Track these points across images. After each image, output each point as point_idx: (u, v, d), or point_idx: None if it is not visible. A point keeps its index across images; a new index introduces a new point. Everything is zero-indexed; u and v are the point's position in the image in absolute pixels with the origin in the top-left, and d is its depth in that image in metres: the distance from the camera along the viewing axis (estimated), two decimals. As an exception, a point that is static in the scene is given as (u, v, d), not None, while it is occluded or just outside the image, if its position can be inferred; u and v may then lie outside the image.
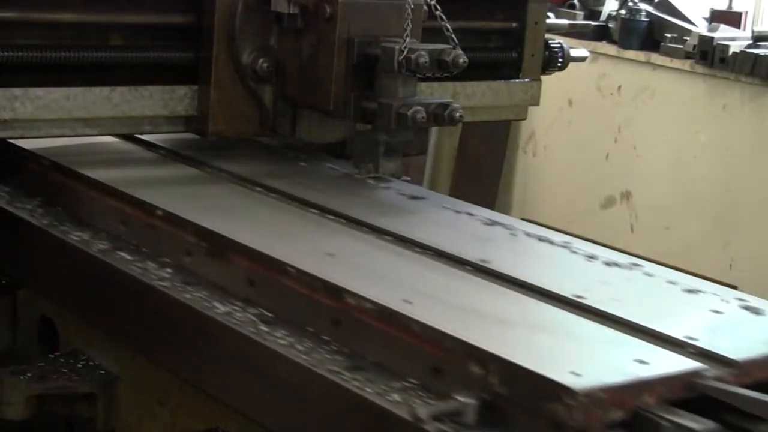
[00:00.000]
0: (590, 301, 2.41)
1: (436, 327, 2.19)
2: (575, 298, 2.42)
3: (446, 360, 2.15)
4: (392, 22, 3.08)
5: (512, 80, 3.76)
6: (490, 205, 6.59)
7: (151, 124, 3.23)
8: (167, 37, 3.24)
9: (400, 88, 3.03)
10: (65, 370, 2.93)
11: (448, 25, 3.09)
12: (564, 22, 4.43)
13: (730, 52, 6.58)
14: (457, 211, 3.09)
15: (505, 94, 3.75)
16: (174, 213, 2.81)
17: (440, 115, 3.02)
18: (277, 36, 3.23)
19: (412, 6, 3.03)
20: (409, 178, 3.42)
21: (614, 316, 2.34)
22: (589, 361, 2.16)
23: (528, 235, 2.90)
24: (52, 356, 3.01)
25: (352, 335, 2.34)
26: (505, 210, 7.58)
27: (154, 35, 3.22)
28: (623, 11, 7.33)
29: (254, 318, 2.46)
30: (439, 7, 3.10)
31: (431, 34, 3.14)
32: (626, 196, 7.29)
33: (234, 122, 3.26)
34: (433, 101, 3.05)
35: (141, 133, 3.41)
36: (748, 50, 6.55)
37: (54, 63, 3.01)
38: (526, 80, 3.78)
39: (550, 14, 3.97)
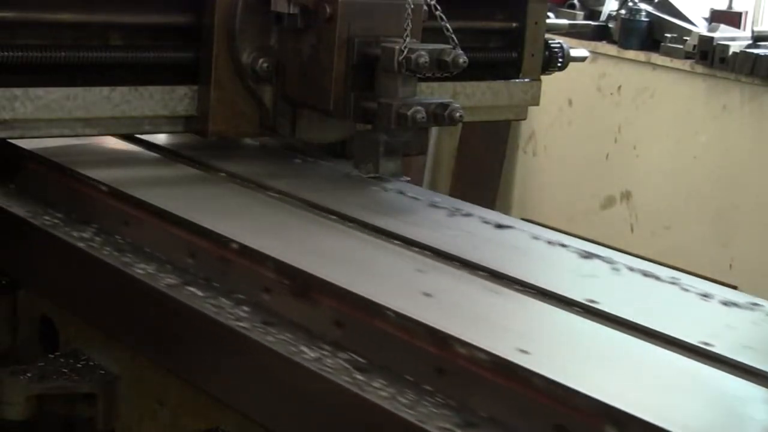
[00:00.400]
0: (719, 349, 2.19)
1: (563, 383, 1.97)
2: (702, 346, 2.20)
3: (574, 420, 1.94)
4: (392, 22, 3.08)
5: (512, 80, 3.76)
6: (491, 205, 6.60)
7: (151, 124, 3.23)
8: (167, 37, 3.24)
9: (400, 88, 3.02)
10: (65, 370, 2.93)
11: (448, 25, 3.09)
12: (564, 22, 4.43)
13: (730, 52, 6.59)
14: (550, 242, 2.84)
15: (505, 94, 3.75)
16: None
17: (440, 115, 3.02)
18: (277, 36, 3.23)
19: (412, 6, 3.03)
20: (409, 178, 3.42)
21: (749, 366, 2.13)
22: (744, 427, 1.96)
23: (631, 269, 2.67)
24: (52, 356, 3.01)
25: (459, 386, 2.13)
26: (505, 210, 7.59)
27: (154, 35, 3.21)
28: (623, 11, 7.34)
29: (347, 365, 2.25)
30: (439, 7, 3.10)
31: (431, 34, 3.14)
32: (626, 196, 7.29)
33: (234, 122, 3.26)
34: (433, 101, 3.05)
35: (141, 133, 3.41)
36: (748, 50, 6.55)
37: (54, 63, 3.01)
38: (526, 80, 3.78)
39: (550, 14, 3.97)
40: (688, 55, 6.87)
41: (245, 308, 2.48)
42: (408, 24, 3.01)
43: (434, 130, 7.65)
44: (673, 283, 2.60)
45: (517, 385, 2.03)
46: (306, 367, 2.22)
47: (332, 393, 2.18)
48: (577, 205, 7.53)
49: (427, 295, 2.39)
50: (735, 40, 6.74)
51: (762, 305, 2.49)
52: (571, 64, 3.92)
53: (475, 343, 2.10)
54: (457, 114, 3.02)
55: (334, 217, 2.90)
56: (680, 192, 6.99)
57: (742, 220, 6.67)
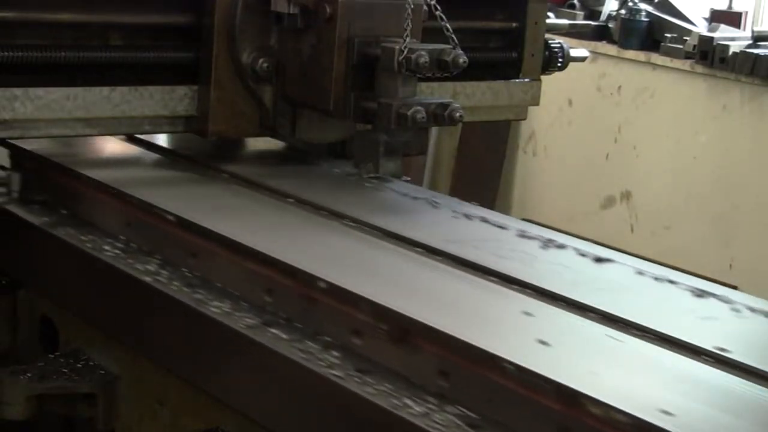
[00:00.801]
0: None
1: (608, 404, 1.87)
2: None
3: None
4: (392, 22, 3.08)
5: (512, 80, 3.76)
6: (490, 205, 6.59)
7: (151, 124, 3.23)
8: (167, 37, 3.24)
9: (400, 88, 3.02)
10: (65, 370, 2.93)
11: (448, 25, 3.09)
12: (564, 22, 4.43)
13: (730, 52, 6.59)
14: (657, 278, 2.62)
15: (505, 94, 3.75)
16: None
17: (440, 115, 3.02)
18: (277, 36, 3.23)
19: (412, 6, 3.03)
20: (409, 178, 3.42)
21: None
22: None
23: (753, 310, 2.47)
24: (52, 356, 3.01)
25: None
26: (505, 210, 7.59)
27: (154, 35, 3.21)
28: (623, 11, 7.33)
29: (458, 420, 2.07)
30: (439, 7, 3.10)
31: (431, 34, 3.14)
32: (626, 196, 7.29)
33: (234, 122, 3.26)
34: (433, 101, 3.05)
35: (141, 133, 3.41)
36: (748, 50, 6.55)
37: (54, 63, 3.01)
38: (526, 80, 3.78)
39: (550, 14, 3.97)
40: (688, 55, 6.87)
41: (335, 353, 2.29)
42: (408, 24, 3.01)
43: (434, 130, 7.65)
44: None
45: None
46: (415, 424, 2.04)
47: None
48: (577, 205, 7.53)
49: (543, 343, 2.16)
50: (735, 40, 6.73)
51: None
52: (571, 64, 3.92)
53: (608, 402, 1.90)
54: (457, 114, 3.02)
55: (402, 243, 2.71)
56: (680, 192, 6.99)
57: (742, 220, 6.67)
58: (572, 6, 7.61)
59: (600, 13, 7.55)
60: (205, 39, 3.19)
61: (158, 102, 3.18)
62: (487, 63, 3.71)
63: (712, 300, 2.50)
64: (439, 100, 3.06)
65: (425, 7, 3.13)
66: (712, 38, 6.72)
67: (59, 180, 3.17)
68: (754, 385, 2.05)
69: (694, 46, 6.79)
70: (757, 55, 6.49)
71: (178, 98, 3.20)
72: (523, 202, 7.92)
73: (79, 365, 2.95)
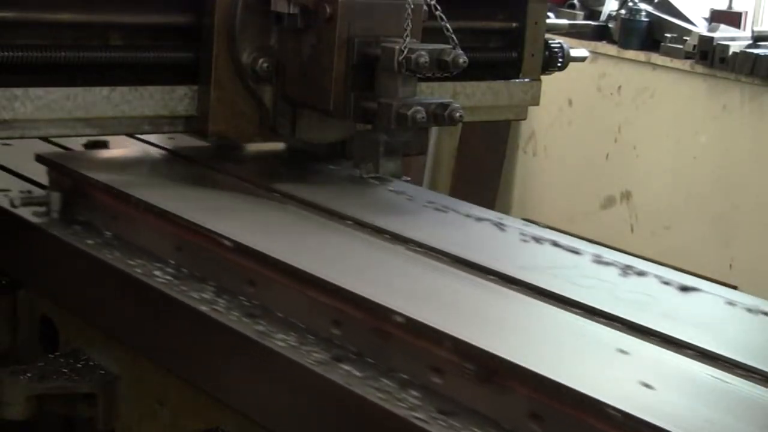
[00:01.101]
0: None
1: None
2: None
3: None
4: (392, 22, 3.08)
5: (512, 80, 3.76)
6: (490, 205, 6.59)
7: (151, 124, 3.23)
8: (167, 37, 3.24)
9: (400, 88, 3.02)
10: (65, 370, 2.93)
11: (448, 25, 3.09)
12: (564, 22, 4.42)
13: (730, 52, 6.59)
14: (750, 310, 2.50)
15: (505, 94, 3.75)
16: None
17: (440, 115, 3.02)
18: (277, 36, 3.23)
19: (412, 6, 3.03)
20: (409, 178, 3.42)
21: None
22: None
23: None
24: (52, 356, 3.01)
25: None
26: (505, 210, 7.59)
27: (154, 35, 3.21)
28: (623, 11, 7.34)
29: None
30: (439, 8, 3.10)
31: (431, 33, 3.14)
32: (626, 196, 7.29)
33: (234, 122, 3.25)
34: (433, 101, 3.05)
35: (141, 133, 3.41)
36: (748, 50, 6.55)
37: (54, 63, 3.01)
38: (526, 80, 3.78)
39: (550, 14, 3.96)
40: (688, 55, 6.87)
41: (414, 393, 2.14)
42: (408, 24, 3.01)
43: (434, 130, 7.64)
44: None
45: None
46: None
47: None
48: (577, 205, 7.53)
49: (648, 386, 2.01)
50: (735, 40, 6.74)
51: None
52: (571, 64, 3.92)
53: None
54: (457, 114, 3.02)
55: (453, 262, 2.61)
56: (680, 192, 6.99)
57: (742, 220, 6.67)
58: (572, 6, 7.61)
59: (600, 13, 7.55)
60: (205, 39, 3.19)
61: (158, 102, 3.18)
62: (487, 63, 3.70)
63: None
64: (439, 100, 3.06)
65: (425, 7, 3.13)
66: (712, 38, 6.72)
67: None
68: None
69: (694, 46, 6.79)
70: (757, 55, 6.49)
71: (178, 98, 3.20)
72: (523, 202, 7.92)
73: (79, 365, 2.95)
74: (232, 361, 2.43)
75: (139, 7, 3.16)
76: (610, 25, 7.43)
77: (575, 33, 5.29)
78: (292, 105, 3.25)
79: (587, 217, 7.42)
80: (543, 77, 3.84)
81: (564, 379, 1.95)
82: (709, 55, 6.69)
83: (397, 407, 2.07)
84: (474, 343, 2.09)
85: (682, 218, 6.97)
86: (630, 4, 7.33)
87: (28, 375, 2.89)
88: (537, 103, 3.83)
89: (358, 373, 2.20)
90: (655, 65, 7.09)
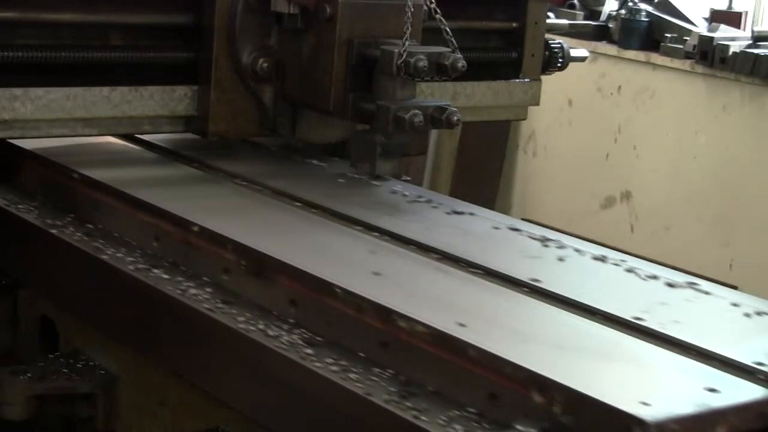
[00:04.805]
0: (651, 323, 2.30)
1: (494, 352, 2.09)
2: (635, 321, 2.31)
3: (505, 388, 2.06)
4: (392, 22, 3.08)
5: (512, 80, 3.76)
6: (490, 205, 6.60)
7: (151, 124, 3.23)
8: (167, 37, 3.24)
9: (398, 91, 3.02)
10: (65, 370, 2.93)
11: (447, 29, 3.09)
12: (564, 22, 4.43)
13: (730, 52, 6.58)
14: (500, 227, 2.94)
15: (505, 94, 3.75)
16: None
17: (438, 119, 3.02)
18: (277, 36, 3.23)
19: (412, 9, 3.03)
20: (409, 178, 3.42)
21: (677, 340, 2.23)
22: (657, 389, 2.05)
23: (579, 252, 2.79)
24: (52, 356, 3.01)
25: (403, 360, 2.24)
26: (505, 210, 7.59)
27: (154, 35, 3.21)
28: (623, 11, 7.33)
29: (300, 341, 2.35)
30: (438, 11, 3.10)
31: (431, 33, 3.14)
32: (626, 196, 7.29)
33: (234, 122, 3.26)
34: (431, 104, 3.05)
35: (141, 133, 3.41)
36: (748, 50, 6.55)
37: (54, 63, 3.01)
38: (526, 80, 3.78)
39: (550, 14, 3.97)
40: (688, 55, 6.86)
41: (208, 289, 2.59)
42: (408, 27, 3.01)
43: (434, 131, 7.64)
44: (617, 265, 2.71)
45: (453, 356, 2.14)
46: (260, 343, 2.35)
47: (287, 369, 2.29)
48: (577, 205, 7.52)
49: (377, 274, 2.50)
50: (735, 40, 6.73)
51: (699, 284, 2.59)
52: (571, 64, 3.92)
53: (415, 317, 2.21)
54: (455, 118, 3.02)
55: (299, 204, 3.00)
56: (680, 192, 6.99)
57: (742, 220, 6.67)
58: (572, 6, 7.61)
59: (600, 13, 7.54)
60: (205, 39, 3.19)
61: (158, 102, 3.18)
62: (487, 63, 3.71)
63: (548, 244, 2.82)
64: (437, 104, 3.06)
65: (425, 8, 3.13)
66: (712, 38, 6.71)
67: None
68: (555, 308, 2.39)
69: (694, 46, 6.79)
70: (757, 55, 6.49)
71: (178, 98, 3.21)
72: (523, 202, 7.92)
73: (79, 365, 2.95)
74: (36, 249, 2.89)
75: (139, 7, 3.17)
76: (610, 25, 7.42)
77: (575, 33, 5.30)
78: (292, 105, 3.25)
79: (587, 217, 7.42)
80: (543, 77, 3.84)
81: (314, 272, 2.42)
82: (709, 55, 6.69)
83: (191, 300, 2.53)
84: (247, 243, 2.58)
85: (682, 218, 6.97)
86: (630, 4, 7.32)
87: (28, 375, 2.89)
88: (537, 103, 3.83)
89: (166, 276, 2.66)
90: (655, 65, 7.08)
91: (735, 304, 2.50)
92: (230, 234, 2.65)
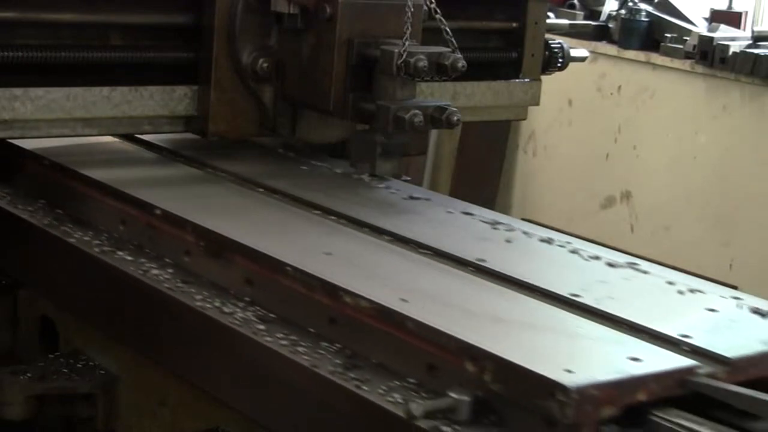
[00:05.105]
0: (586, 299, 2.42)
1: (431, 325, 2.20)
2: (572, 297, 2.44)
3: (442, 358, 2.17)
4: (392, 22, 3.08)
5: (512, 80, 3.76)
6: (490, 205, 6.60)
7: (151, 124, 3.23)
8: (167, 37, 3.24)
9: (398, 91, 3.02)
10: (65, 370, 2.93)
11: (447, 29, 3.09)
12: (564, 22, 4.43)
13: (730, 52, 6.58)
14: (453, 212, 3.08)
15: (505, 94, 3.75)
16: (173, 212, 2.81)
17: (438, 119, 3.02)
18: (277, 36, 3.23)
19: (412, 9, 3.03)
20: (409, 178, 3.42)
21: (610, 314, 2.35)
22: (582, 358, 2.17)
23: (527, 234, 2.91)
24: (52, 356, 3.01)
25: (349, 334, 2.35)
26: (505, 210, 7.59)
27: (154, 35, 3.21)
28: (623, 11, 7.33)
29: (254, 318, 2.47)
30: (438, 11, 3.10)
31: (431, 33, 3.14)
32: (626, 196, 7.29)
33: (234, 122, 3.26)
34: (431, 104, 3.05)
35: (141, 133, 3.41)
36: (748, 50, 6.54)
37: (54, 63, 3.01)
38: (526, 80, 3.78)
39: (550, 14, 3.97)
40: (688, 55, 6.86)
41: (169, 270, 2.72)
42: (408, 27, 3.00)
43: (434, 131, 7.63)
44: (563, 247, 2.82)
45: (394, 329, 2.26)
46: (217, 320, 2.47)
47: (236, 343, 2.42)
48: (577, 205, 7.52)
49: (328, 254, 2.62)
50: (735, 40, 6.73)
51: (639, 264, 2.70)
52: (571, 64, 3.92)
53: (360, 293, 2.33)
54: (455, 118, 3.02)
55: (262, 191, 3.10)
56: (680, 192, 6.98)
57: (742, 220, 6.67)
58: (572, 6, 7.60)
59: (600, 13, 7.54)
60: (205, 39, 3.19)
61: (158, 102, 3.18)
62: (487, 63, 3.71)
63: (497, 227, 2.94)
64: (437, 104, 3.06)
65: (425, 8, 3.13)
66: (712, 38, 6.71)
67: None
68: (498, 285, 2.51)
69: (694, 46, 6.78)
70: (757, 55, 6.49)
71: (178, 98, 3.21)
72: (523, 202, 7.92)
73: (79, 365, 2.95)
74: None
75: (139, 7, 3.17)
76: (610, 25, 7.42)
77: (575, 33, 5.30)
78: (292, 105, 3.25)
79: (587, 217, 7.42)
80: (543, 77, 3.84)
81: (269, 251, 2.55)
82: (709, 55, 6.68)
83: (153, 281, 2.65)
84: (206, 225, 2.70)
85: (682, 218, 6.97)
86: (630, 4, 7.32)
87: (28, 375, 2.89)
88: (537, 103, 3.83)
89: (130, 258, 2.78)
90: (655, 65, 7.08)
91: (671, 283, 2.61)
92: (190, 217, 2.76)
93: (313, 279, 2.44)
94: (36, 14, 3.03)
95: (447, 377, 2.14)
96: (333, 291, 2.39)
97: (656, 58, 7.06)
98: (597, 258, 2.75)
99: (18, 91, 2.96)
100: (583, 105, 7.54)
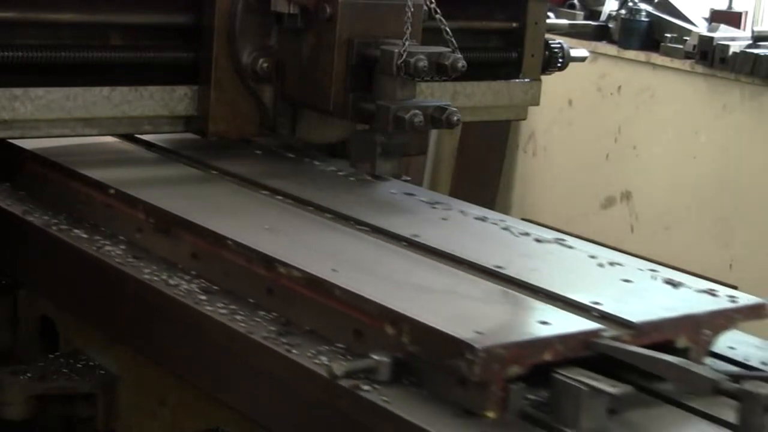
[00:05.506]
0: (509, 271, 2.56)
1: (357, 292, 2.35)
2: (496, 269, 2.57)
3: (366, 323, 2.31)
4: (392, 22, 3.08)
5: (512, 80, 3.76)
6: (490, 205, 6.59)
7: (151, 124, 3.23)
8: (167, 37, 3.24)
9: (398, 91, 3.03)
10: (65, 370, 2.93)
11: (447, 29, 3.09)
12: (564, 22, 4.43)
13: (730, 52, 6.58)
14: (396, 192, 3.20)
15: (505, 94, 3.75)
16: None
17: (438, 119, 3.02)
18: (277, 36, 3.23)
19: (412, 9, 3.03)
20: (409, 178, 3.43)
21: (529, 284, 2.50)
22: (494, 322, 2.31)
23: (463, 213, 3.04)
24: (52, 356, 3.01)
25: (284, 304, 2.50)
26: (505, 210, 7.58)
27: (154, 35, 3.22)
28: (623, 11, 7.33)
29: (198, 290, 2.63)
30: (438, 11, 3.10)
31: (431, 33, 3.14)
32: (626, 196, 7.29)
33: (234, 122, 3.26)
34: (431, 104, 3.05)
35: (141, 133, 3.41)
36: (748, 50, 6.54)
37: (54, 63, 3.01)
38: (526, 80, 3.78)
39: (550, 14, 3.97)
40: (688, 55, 6.86)
41: (122, 246, 2.88)
42: (408, 27, 3.00)
43: (434, 131, 7.63)
44: (495, 224, 2.97)
45: (324, 297, 2.41)
46: (163, 293, 2.63)
47: (182, 313, 2.57)
48: (577, 205, 7.52)
49: (270, 230, 2.75)
50: (735, 40, 6.72)
51: (566, 240, 2.86)
52: (571, 64, 3.92)
53: (294, 264, 2.48)
54: (455, 118, 3.02)
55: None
56: (680, 192, 6.98)
57: (742, 220, 6.67)
58: (572, 6, 7.60)
59: (600, 13, 7.54)
60: (205, 39, 3.19)
61: (158, 102, 3.18)
62: (487, 63, 3.71)
63: (439, 208, 3.06)
64: (437, 104, 3.06)
65: (425, 8, 3.13)
66: (712, 38, 6.71)
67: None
68: (427, 258, 2.65)
69: (694, 46, 6.78)
70: (757, 55, 6.48)
71: (178, 98, 3.21)
72: (523, 202, 7.91)
73: (79, 365, 2.95)
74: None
75: (139, 7, 3.17)
76: (610, 25, 7.42)
77: (575, 33, 5.30)
78: (292, 105, 3.25)
79: (587, 217, 7.42)
80: (543, 77, 3.84)
81: (212, 227, 2.69)
82: (709, 55, 6.68)
83: (106, 256, 2.82)
84: (155, 203, 2.85)
85: (682, 218, 6.97)
86: (630, 4, 7.32)
87: (28, 375, 2.89)
88: (537, 103, 3.83)
89: (85, 236, 2.94)
90: (655, 65, 7.08)
91: (592, 256, 2.75)
92: (141, 195, 2.91)
93: (251, 252, 2.58)
94: (36, 14, 3.03)
95: (372, 342, 2.28)
96: (269, 263, 2.53)
97: (656, 58, 7.06)
98: (527, 234, 2.89)
99: (18, 91, 2.96)
100: (583, 105, 7.54)
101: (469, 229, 2.93)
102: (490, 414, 2.12)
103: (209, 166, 3.31)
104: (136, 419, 2.87)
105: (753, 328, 2.59)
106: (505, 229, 2.93)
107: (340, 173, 3.34)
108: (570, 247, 2.81)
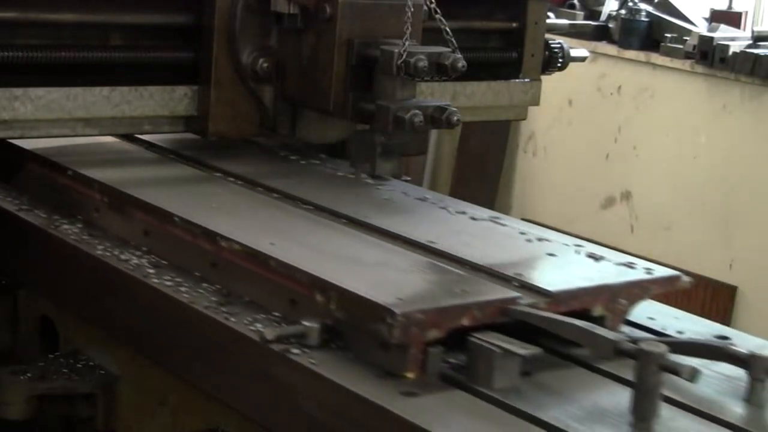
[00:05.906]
0: (440, 245, 2.68)
1: (290, 263, 2.48)
2: (428, 243, 2.69)
3: (299, 293, 2.45)
4: (392, 22, 3.08)
5: (512, 80, 3.76)
6: (490, 205, 6.60)
7: (151, 124, 3.23)
8: (167, 37, 3.24)
9: (398, 91, 3.03)
10: (65, 370, 2.93)
11: (447, 29, 3.09)
12: (564, 22, 4.43)
13: (730, 52, 6.58)
14: (342, 174, 3.28)
15: (505, 94, 3.75)
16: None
17: (438, 119, 3.02)
18: (277, 36, 3.23)
19: (412, 9, 3.03)
20: (409, 178, 3.42)
21: (457, 257, 2.61)
22: (417, 290, 2.44)
23: (405, 194, 3.14)
24: (52, 356, 3.01)
25: (226, 276, 2.64)
26: (505, 210, 7.59)
27: (154, 35, 3.22)
28: (623, 11, 7.33)
29: (147, 264, 2.76)
30: (438, 11, 3.10)
31: (431, 33, 3.14)
32: (626, 196, 7.29)
33: (234, 122, 3.26)
34: (431, 104, 3.05)
35: (141, 133, 3.41)
36: (748, 50, 6.55)
37: (54, 63, 3.01)
38: (526, 80, 3.78)
39: (550, 14, 3.97)
40: (688, 55, 6.86)
41: (79, 225, 3.00)
42: (408, 27, 3.00)
43: (434, 131, 7.63)
44: (434, 204, 3.07)
45: (262, 269, 2.54)
46: (113, 267, 2.77)
47: (130, 286, 2.72)
48: (577, 205, 7.53)
49: (216, 208, 2.88)
50: (735, 40, 6.73)
51: (500, 218, 2.97)
52: (571, 64, 3.92)
53: (234, 238, 2.61)
54: (455, 118, 3.02)
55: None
56: (680, 192, 6.99)
57: (742, 220, 6.67)
58: (572, 6, 7.60)
59: (600, 13, 7.54)
60: (205, 39, 3.19)
61: (158, 102, 3.18)
62: (487, 63, 3.71)
63: (387, 189, 3.15)
64: (437, 104, 3.07)
65: (425, 8, 3.13)
66: (712, 38, 6.71)
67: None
68: (363, 234, 2.77)
69: (694, 46, 6.79)
70: (757, 55, 6.49)
71: (178, 98, 3.21)
72: (523, 202, 7.92)
73: (79, 365, 2.95)
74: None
75: (139, 7, 3.17)
76: (610, 25, 7.42)
77: (575, 33, 5.30)
78: (292, 105, 3.25)
79: (587, 217, 7.42)
80: (543, 77, 3.84)
81: (161, 204, 2.82)
82: (709, 55, 6.68)
83: (66, 236, 2.93)
84: (109, 183, 2.99)
85: (682, 218, 6.97)
86: (630, 4, 7.32)
87: (28, 375, 2.89)
88: (537, 103, 3.83)
89: (45, 217, 3.05)
90: (655, 65, 7.08)
91: (522, 233, 2.86)
92: (97, 176, 3.02)
93: (196, 227, 2.71)
94: (36, 14, 3.03)
95: (305, 310, 2.41)
96: (212, 237, 2.67)
97: (656, 58, 7.06)
98: (463, 213, 3.00)
99: (18, 91, 2.96)
100: (583, 105, 7.55)
101: (408, 208, 3.04)
102: (410, 375, 2.24)
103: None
104: (136, 419, 2.87)
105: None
106: (443, 208, 3.04)
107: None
108: (503, 225, 2.91)
